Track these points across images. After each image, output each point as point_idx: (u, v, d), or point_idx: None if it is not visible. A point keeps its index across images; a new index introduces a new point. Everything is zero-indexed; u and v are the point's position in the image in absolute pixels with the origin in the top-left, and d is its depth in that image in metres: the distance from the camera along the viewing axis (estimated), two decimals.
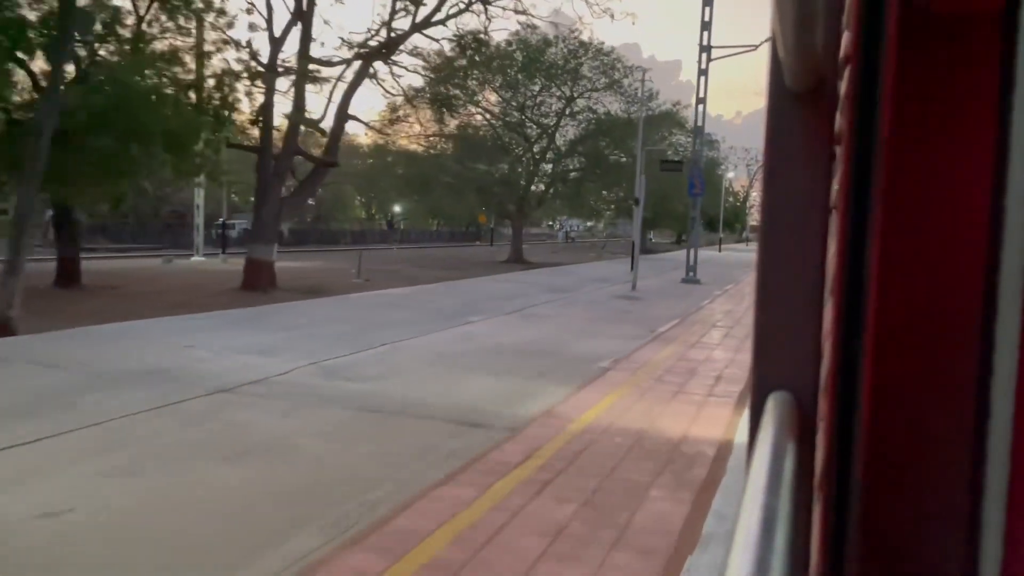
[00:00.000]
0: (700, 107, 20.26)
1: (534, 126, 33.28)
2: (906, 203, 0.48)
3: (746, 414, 1.15)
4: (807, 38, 0.63)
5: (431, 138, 32.46)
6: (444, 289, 17.04)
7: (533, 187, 34.28)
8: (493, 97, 32.81)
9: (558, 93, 32.90)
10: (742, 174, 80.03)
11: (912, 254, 0.48)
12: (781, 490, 0.53)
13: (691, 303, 15.16)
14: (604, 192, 45.86)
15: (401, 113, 33.21)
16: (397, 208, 68.58)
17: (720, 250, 49.48)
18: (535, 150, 33.54)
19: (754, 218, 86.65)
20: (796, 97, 0.78)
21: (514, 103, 32.41)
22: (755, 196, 79.89)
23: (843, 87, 0.58)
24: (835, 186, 0.63)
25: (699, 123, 20.31)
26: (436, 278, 21.91)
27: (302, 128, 19.00)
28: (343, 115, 18.77)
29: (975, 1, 0.46)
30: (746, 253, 49.33)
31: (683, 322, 12.02)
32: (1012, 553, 0.44)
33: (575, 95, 32.97)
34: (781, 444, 0.63)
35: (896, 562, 0.51)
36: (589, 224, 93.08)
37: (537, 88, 32.73)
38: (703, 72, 20.14)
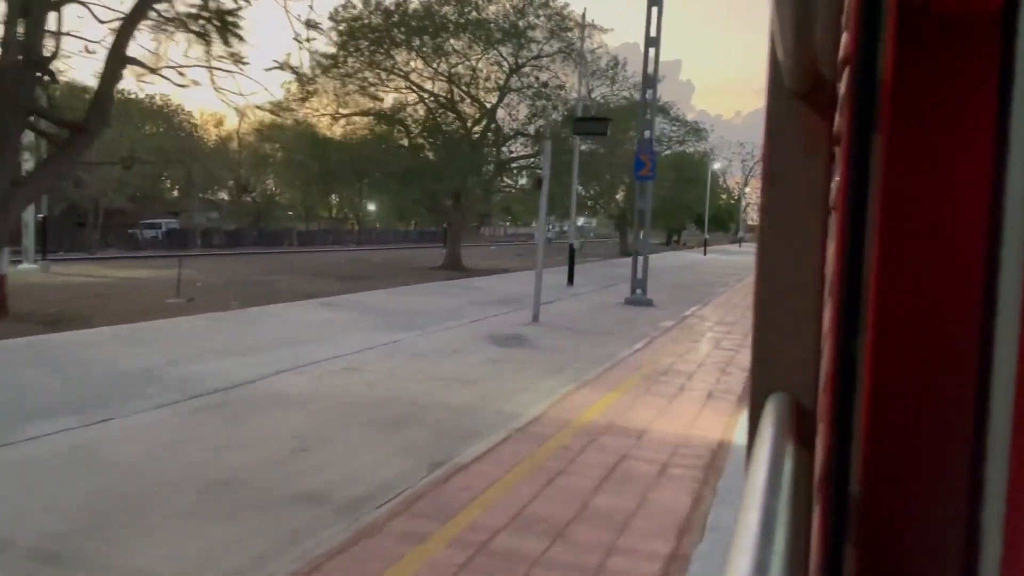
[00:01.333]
0: (651, 51, 14.02)
1: (471, 101, 26.97)
2: (906, 203, 0.48)
3: (746, 415, 0.95)
4: (806, 39, 0.63)
5: (339, 116, 26.30)
6: (236, 321, 10.84)
7: (473, 177, 28.01)
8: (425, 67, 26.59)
9: (500, 61, 26.66)
10: (736, 171, 73.97)
11: (912, 254, 0.48)
12: (780, 491, 0.53)
13: (609, 350, 8.92)
14: (581, 187, 40.12)
15: (310, 88, 27.17)
16: (372, 206, 62.85)
17: (705, 252, 42.96)
18: (474, 132, 27.26)
19: (750, 217, 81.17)
20: (795, 97, 0.78)
21: (443, 73, 26.13)
22: (749, 191, 73.92)
23: (842, 88, 0.58)
24: (834, 186, 0.63)
25: (649, 71, 14.04)
26: (303, 294, 16.15)
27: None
28: (118, 59, 12.56)
29: (974, 2, 0.45)
30: (737, 256, 42.99)
31: (540, 420, 5.81)
32: (1012, 553, 0.44)
33: (520, 63, 26.72)
34: (780, 445, 0.62)
35: (896, 563, 0.51)
36: (580, 223, 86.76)
37: (477, 55, 26.49)
38: (655, 1, 13.92)
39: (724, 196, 76.89)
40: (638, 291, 14.46)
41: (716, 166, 54.06)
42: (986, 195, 0.45)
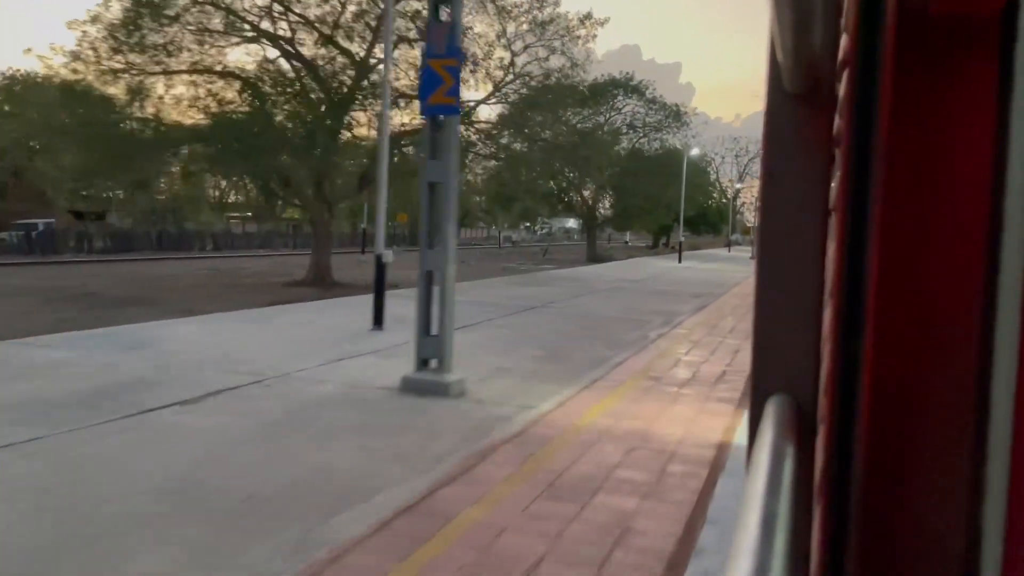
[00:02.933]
0: None
1: (335, 51, 19.06)
2: (905, 204, 0.48)
3: (746, 417, 0.97)
4: (805, 40, 0.64)
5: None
6: None
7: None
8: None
9: None
10: (731, 170, 66.34)
11: (912, 255, 0.48)
12: (781, 493, 0.54)
13: None
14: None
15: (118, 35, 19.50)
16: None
17: (680, 259, 34.77)
18: (340, 94, 19.42)
19: (746, 218, 73.66)
20: (795, 99, 0.78)
21: (285, 4, 18.23)
22: (741, 187, 66.12)
23: (842, 89, 0.57)
24: (834, 188, 0.63)
25: None
26: None
27: None
28: None
29: (974, 3, 0.45)
30: (721, 263, 34.95)
31: None
32: (1012, 554, 0.44)
33: None
34: (781, 447, 0.63)
35: (897, 564, 0.51)
36: (569, 225, 78.75)
37: None
38: None
39: (716, 195, 69.07)
40: (432, 363, 6.60)
41: (695, 151, 45.93)
42: (986, 195, 0.44)
